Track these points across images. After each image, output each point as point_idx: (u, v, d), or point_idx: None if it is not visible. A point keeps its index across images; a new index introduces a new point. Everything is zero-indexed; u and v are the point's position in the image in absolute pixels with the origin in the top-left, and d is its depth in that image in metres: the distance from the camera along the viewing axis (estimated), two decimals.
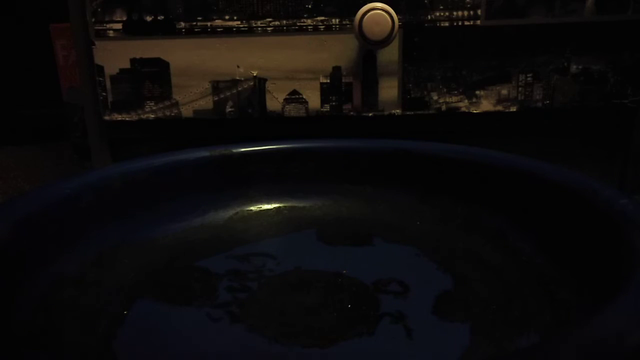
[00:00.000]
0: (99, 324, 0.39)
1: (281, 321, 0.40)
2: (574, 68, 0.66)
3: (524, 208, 0.48)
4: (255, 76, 0.67)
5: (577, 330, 0.25)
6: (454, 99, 0.67)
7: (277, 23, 0.66)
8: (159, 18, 0.66)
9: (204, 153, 0.57)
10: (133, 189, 0.53)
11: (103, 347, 0.37)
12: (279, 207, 0.58)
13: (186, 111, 0.68)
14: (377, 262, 0.49)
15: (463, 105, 0.67)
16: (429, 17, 0.65)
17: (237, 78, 0.67)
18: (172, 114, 0.68)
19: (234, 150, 0.58)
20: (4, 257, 0.38)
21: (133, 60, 0.67)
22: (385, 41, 0.63)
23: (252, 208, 0.58)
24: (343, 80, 0.67)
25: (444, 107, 0.68)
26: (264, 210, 0.58)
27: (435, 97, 0.67)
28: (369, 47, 0.65)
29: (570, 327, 0.25)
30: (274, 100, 0.68)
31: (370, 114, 0.68)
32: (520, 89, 0.66)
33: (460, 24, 0.65)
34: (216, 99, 0.68)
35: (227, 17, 0.66)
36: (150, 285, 0.45)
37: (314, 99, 0.68)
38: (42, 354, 0.34)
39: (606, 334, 0.25)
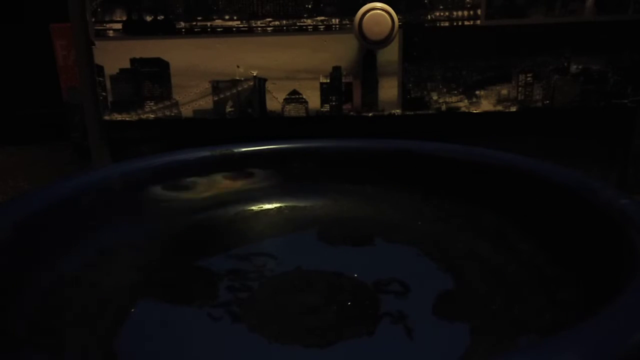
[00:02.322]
0: (99, 324, 0.39)
1: (281, 321, 0.40)
2: (573, 68, 0.66)
3: (524, 208, 0.48)
4: (255, 76, 0.67)
5: (576, 330, 0.25)
6: (454, 99, 0.67)
7: (277, 23, 0.66)
8: (159, 18, 0.66)
9: (205, 153, 0.57)
10: (134, 188, 0.53)
11: (104, 347, 0.37)
12: (280, 206, 0.58)
13: (186, 111, 0.68)
14: (378, 262, 0.49)
15: (463, 105, 0.67)
16: (429, 17, 0.65)
17: (237, 78, 0.67)
18: (172, 114, 0.68)
19: (235, 150, 0.58)
20: (4, 257, 0.38)
21: (133, 60, 0.67)
22: (385, 41, 0.63)
23: (253, 208, 0.58)
24: (343, 80, 0.67)
25: (444, 107, 0.68)
26: (265, 210, 0.58)
27: (435, 97, 0.67)
28: (368, 47, 0.65)
29: (570, 327, 0.25)
30: (274, 100, 0.68)
31: (370, 114, 0.68)
32: (520, 88, 0.66)
33: (460, 23, 0.65)
34: (216, 99, 0.68)
35: (227, 17, 0.66)
36: (151, 285, 0.45)
37: (313, 99, 0.68)
38: (43, 354, 0.34)
39: (606, 334, 0.25)
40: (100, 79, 0.67)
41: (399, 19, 0.63)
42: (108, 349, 0.37)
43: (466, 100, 0.67)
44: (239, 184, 0.58)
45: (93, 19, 0.66)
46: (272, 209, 0.58)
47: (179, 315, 0.41)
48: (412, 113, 0.68)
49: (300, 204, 0.58)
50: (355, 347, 0.37)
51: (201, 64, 0.67)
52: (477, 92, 0.67)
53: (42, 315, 0.38)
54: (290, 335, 0.39)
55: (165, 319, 0.41)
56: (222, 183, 0.58)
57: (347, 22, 0.65)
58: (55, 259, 0.43)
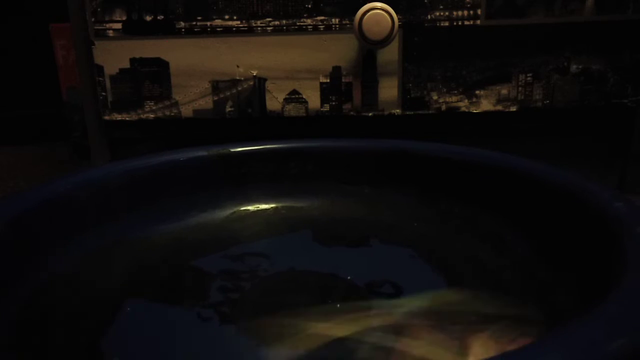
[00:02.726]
0: (87, 323, 0.39)
1: (271, 322, 0.40)
2: (573, 68, 0.65)
3: (521, 210, 0.48)
4: (255, 76, 0.67)
5: (562, 333, 0.25)
6: (454, 98, 0.67)
7: (277, 23, 0.66)
8: (158, 18, 0.66)
9: (201, 152, 0.57)
10: (129, 187, 0.53)
11: (91, 346, 0.37)
12: (277, 206, 0.58)
13: (186, 111, 0.68)
14: (372, 263, 0.49)
15: (463, 105, 0.67)
16: (429, 16, 0.65)
17: (237, 78, 0.67)
18: (172, 114, 0.68)
19: (232, 150, 0.58)
20: None
21: (133, 60, 0.67)
22: (385, 41, 0.63)
23: (250, 207, 0.58)
24: (343, 80, 0.67)
25: (443, 107, 0.67)
26: (261, 209, 0.58)
27: (435, 97, 0.67)
28: (368, 47, 0.65)
29: (554, 331, 0.25)
30: (274, 100, 0.68)
31: (370, 114, 0.68)
32: (520, 88, 0.66)
33: (460, 23, 0.65)
34: (216, 98, 0.68)
35: (226, 16, 0.66)
36: (142, 285, 0.45)
37: (313, 99, 0.68)
38: (27, 353, 0.34)
39: (588, 339, 0.25)
40: (100, 78, 0.67)
41: (399, 18, 0.63)
42: (95, 348, 0.37)
43: (466, 100, 0.67)
44: (235, 184, 0.58)
45: (93, 19, 0.66)
46: (268, 208, 0.58)
47: (168, 315, 0.41)
48: (412, 113, 0.68)
49: (297, 204, 0.58)
50: (344, 348, 0.37)
51: (201, 63, 0.67)
52: (477, 92, 0.67)
53: (31, 314, 0.38)
54: (279, 337, 0.38)
55: (154, 318, 0.41)
56: (219, 182, 0.58)
57: (347, 22, 0.65)
58: (46, 258, 0.43)
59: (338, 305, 0.42)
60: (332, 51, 0.66)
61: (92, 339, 0.38)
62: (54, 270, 0.42)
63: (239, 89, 0.68)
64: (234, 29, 0.66)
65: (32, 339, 0.36)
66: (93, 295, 0.42)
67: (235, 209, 0.57)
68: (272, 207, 0.58)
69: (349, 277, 0.46)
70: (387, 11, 0.62)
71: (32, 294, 0.39)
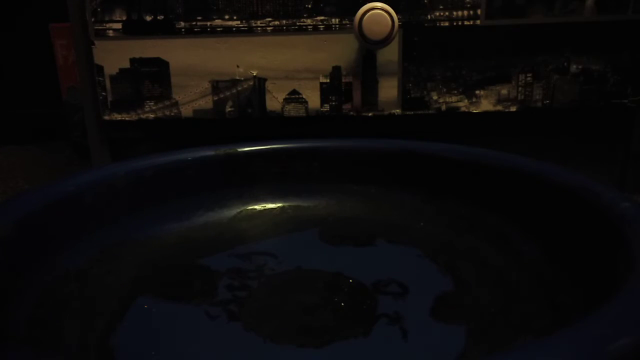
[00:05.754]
0: (97, 320, 0.39)
1: (278, 320, 0.40)
2: (573, 68, 0.65)
3: (528, 210, 0.48)
4: (255, 76, 0.67)
5: (564, 333, 0.25)
6: (454, 98, 0.67)
7: (276, 23, 0.66)
8: (158, 18, 0.66)
9: (209, 152, 0.57)
10: (137, 187, 0.53)
11: (101, 343, 0.37)
12: (283, 206, 0.58)
13: (186, 111, 0.68)
14: (378, 262, 0.49)
15: (463, 105, 0.67)
16: (429, 16, 0.65)
17: (237, 78, 0.67)
18: (172, 114, 0.68)
19: (239, 150, 0.58)
20: (7, 253, 0.39)
21: (133, 60, 0.67)
22: (385, 41, 0.63)
23: (256, 207, 0.58)
24: (343, 80, 0.67)
25: (443, 107, 0.68)
26: (268, 209, 0.58)
27: (435, 97, 0.67)
28: (368, 47, 0.65)
29: (560, 330, 0.25)
30: (274, 100, 0.68)
31: (370, 114, 0.68)
32: (520, 88, 0.66)
33: (460, 23, 0.65)
34: (216, 98, 0.68)
35: (226, 16, 0.66)
36: (151, 283, 0.45)
37: (313, 99, 0.68)
38: (40, 350, 0.34)
39: (593, 338, 0.25)
40: (100, 78, 0.67)
41: (398, 18, 0.63)
42: (105, 345, 0.37)
43: (466, 100, 0.67)
44: (242, 183, 0.58)
45: (93, 19, 0.66)
46: (275, 208, 0.58)
47: (176, 313, 0.41)
48: (412, 113, 0.68)
49: (304, 203, 0.58)
50: (350, 347, 0.37)
51: (201, 63, 0.67)
52: (477, 92, 0.67)
53: (42, 312, 0.38)
54: (286, 335, 0.39)
55: (163, 316, 0.41)
56: (226, 182, 0.58)
57: (347, 22, 0.65)
58: (58, 256, 0.43)
59: (345, 305, 0.42)
60: (332, 51, 0.67)
61: (101, 337, 0.38)
62: (63, 270, 0.42)
63: (239, 88, 0.68)
64: (234, 29, 0.66)
65: (44, 337, 0.36)
66: (101, 293, 0.43)
67: (242, 208, 0.57)
68: (278, 207, 0.58)
69: (355, 277, 0.46)
70: (387, 11, 0.62)
71: (42, 293, 0.39)
